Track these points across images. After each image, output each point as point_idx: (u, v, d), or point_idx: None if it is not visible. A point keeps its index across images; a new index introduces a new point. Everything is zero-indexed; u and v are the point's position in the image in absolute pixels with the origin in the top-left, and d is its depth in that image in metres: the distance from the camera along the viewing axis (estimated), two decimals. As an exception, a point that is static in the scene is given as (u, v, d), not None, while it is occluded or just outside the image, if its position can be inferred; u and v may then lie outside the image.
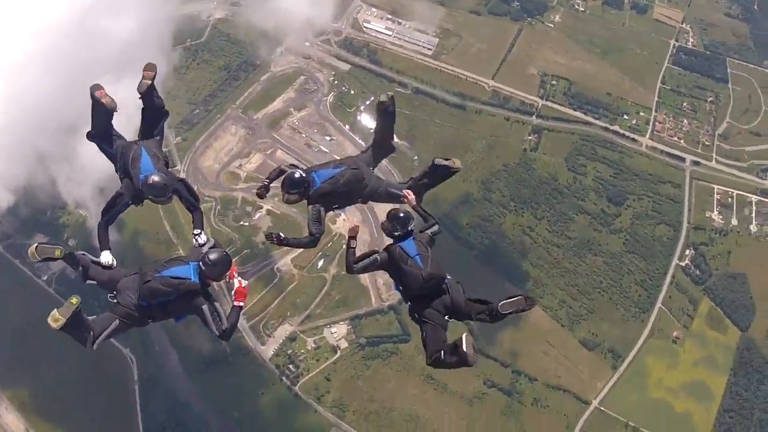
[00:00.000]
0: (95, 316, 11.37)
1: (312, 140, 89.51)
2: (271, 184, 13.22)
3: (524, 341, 78.85)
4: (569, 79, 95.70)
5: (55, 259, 11.53)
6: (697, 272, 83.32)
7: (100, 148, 12.80)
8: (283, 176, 12.27)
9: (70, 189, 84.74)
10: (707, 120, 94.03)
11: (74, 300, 10.56)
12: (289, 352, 77.04)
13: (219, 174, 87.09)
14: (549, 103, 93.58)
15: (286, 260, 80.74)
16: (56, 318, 10.62)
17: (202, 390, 75.31)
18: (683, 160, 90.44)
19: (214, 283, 11.14)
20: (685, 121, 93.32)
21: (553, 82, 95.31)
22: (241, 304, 11.35)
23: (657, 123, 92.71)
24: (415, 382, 76.79)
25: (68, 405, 74.28)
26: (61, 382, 74.88)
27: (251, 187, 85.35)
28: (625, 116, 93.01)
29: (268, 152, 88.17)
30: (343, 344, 78.12)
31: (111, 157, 12.75)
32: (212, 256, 10.85)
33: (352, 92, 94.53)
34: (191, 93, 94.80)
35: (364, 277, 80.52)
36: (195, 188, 13.06)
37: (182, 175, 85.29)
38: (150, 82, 12.45)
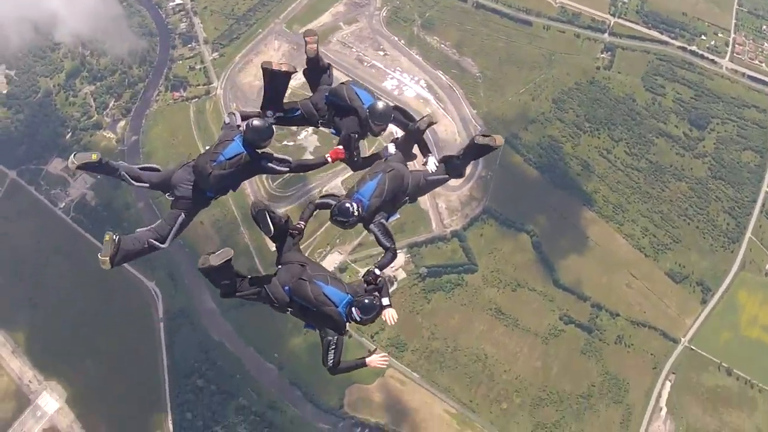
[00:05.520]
0: (160, 221, 10.74)
1: (364, 55, 75.79)
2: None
3: (604, 272, 65.70)
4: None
5: (93, 165, 10.37)
6: (789, 201, 70.05)
7: (284, 120, 11.78)
8: (331, 208, 10.76)
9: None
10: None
11: (107, 237, 10.02)
12: (340, 284, 62.60)
13: (260, 90, 72.16)
14: (621, 21, 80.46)
15: (336, 182, 67.20)
16: (103, 260, 10.00)
17: (238, 328, 62.66)
18: (766, 83, 77.40)
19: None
20: (766, 44, 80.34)
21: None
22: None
23: (736, 45, 79.79)
24: (483, 318, 63.75)
25: (80, 345, 62.82)
26: (73, 320, 63.69)
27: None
28: (703, 36, 79.90)
29: (316, 69, 73.75)
30: (401, 275, 64.60)
31: (297, 120, 12.01)
32: (255, 123, 10.49)
33: (408, 6, 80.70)
34: (229, 8, 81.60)
35: (424, 201, 66.75)
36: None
37: (219, 91, 73.78)
38: (316, 45, 11.68)
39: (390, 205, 11.24)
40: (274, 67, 10.99)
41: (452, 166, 11.79)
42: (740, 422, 60.88)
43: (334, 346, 10.08)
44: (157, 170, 11.10)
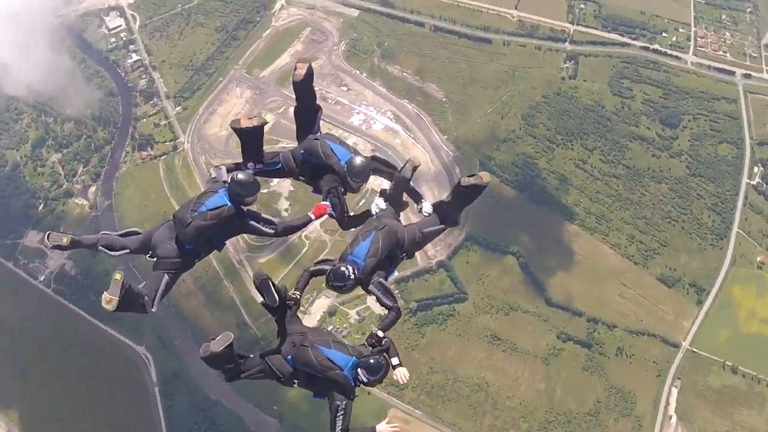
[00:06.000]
0: (143, 284, 10.11)
1: (327, 93, 74.04)
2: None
3: (595, 285, 64.34)
4: (597, 1, 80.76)
5: (65, 248, 10.22)
6: (771, 190, 68.99)
7: (265, 172, 11.39)
8: (326, 274, 10.07)
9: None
10: (750, 31, 79.88)
11: (118, 276, 9.30)
12: (330, 328, 61.09)
13: (227, 140, 71.92)
14: (581, 28, 79.13)
15: (314, 225, 64.98)
16: (109, 299, 9.23)
17: (234, 384, 59.60)
18: (733, 74, 76.40)
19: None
20: (728, 33, 79.25)
21: (582, 5, 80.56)
22: None
23: (698, 38, 78.62)
24: (479, 346, 62.43)
25: (77, 418, 61.03)
26: (66, 394, 61.97)
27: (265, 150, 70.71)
28: (664, 34, 78.74)
29: (280, 111, 72.69)
30: (392, 313, 62.30)
31: (277, 173, 11.57)
32: (240, 176, 10.15)
33: (366, 38, 79.11)
34: (187, 59, 79.77)
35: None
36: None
37: (187, 145, 72.97)
38: (304, 72, 10.90)
39: (387, 264, 10.65)
40: (242, 125, 10.61)
41: (444, 213, 11.25)
42: (752, 420, 59.83)
43: (342, 412, 9.56)
44: (137, 233, 10.66)
